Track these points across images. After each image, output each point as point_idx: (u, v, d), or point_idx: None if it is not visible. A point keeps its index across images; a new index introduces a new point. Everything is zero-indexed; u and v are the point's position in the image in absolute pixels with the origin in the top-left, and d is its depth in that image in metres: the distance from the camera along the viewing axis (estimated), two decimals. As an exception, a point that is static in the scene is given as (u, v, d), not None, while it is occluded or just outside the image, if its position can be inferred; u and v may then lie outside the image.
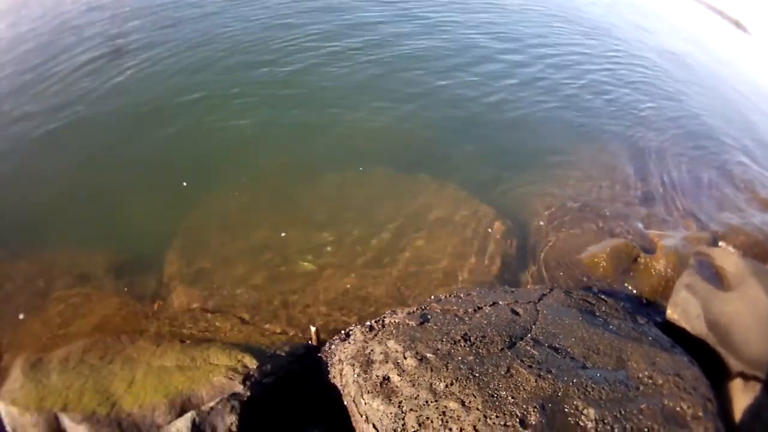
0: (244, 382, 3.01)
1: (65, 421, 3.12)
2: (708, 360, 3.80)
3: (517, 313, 3.22)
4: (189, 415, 3.01)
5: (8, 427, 3.25)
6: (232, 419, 2.96)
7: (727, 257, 4.17)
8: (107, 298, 3.70)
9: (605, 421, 2.99)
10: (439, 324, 3.08)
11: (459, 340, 2.95)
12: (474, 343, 2.97)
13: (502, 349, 2.98)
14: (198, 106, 5.65)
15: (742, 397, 3.90)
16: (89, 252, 3.98)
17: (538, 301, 3.38)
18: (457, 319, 3.13)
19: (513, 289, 3.57)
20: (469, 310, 3.21)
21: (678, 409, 3.23)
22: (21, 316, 3.55)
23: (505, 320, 3.14)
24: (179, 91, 5.80)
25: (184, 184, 4.53)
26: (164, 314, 3.59)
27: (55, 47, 6.97)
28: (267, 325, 3.53)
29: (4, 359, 3.49)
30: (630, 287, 4.14)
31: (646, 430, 3.02)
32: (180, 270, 3.89)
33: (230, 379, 3.05)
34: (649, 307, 3.94)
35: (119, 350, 3.39)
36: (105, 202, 4.43)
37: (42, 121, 5.26)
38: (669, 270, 4.24)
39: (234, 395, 3.00)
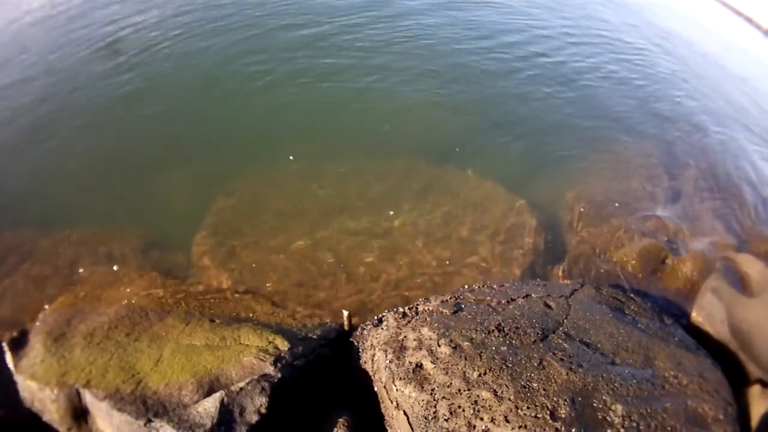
0: (275, 364, 2.98)
1: (87, 397, 3.04)
2: (729, 364, 3.82)
3: (549, 307, 3.23)
4: (218, 395, 2.96)
5: (26, 403, 3.21)
6: (262, 401, 2.92)
7: (752, 264, 4.20)
8: (136, 275, 3.67)
9: (631, 417, 3.00)
10: (472, 313, 3.09)
11: (493, 330, 2.96)
12: (507, 333, 2.98)
13: (534, 341, 2.99)
14: (233, 87, 5.63)
15: (760, 404, 3.92)
16: (119, 229, 3.97)
17: (570, 295, 3.39)
18: (490, 309, 3.14)
19: (545, 283, 3.58)
20: (503, 301, 3.22)
21: (700, 410, 3.24)
22: (48, 293, 3.52)
23: (538, 313, 3.15)
24: (214, 72, 5.78)
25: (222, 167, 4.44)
26: (194, 293, 3.57)
27: (83, 26, 6.96)
28: (298, 308, 3.53)
29: (28, 334, 3.45)
30: (657, 288, 4.17)
31: (669, 428, 3.04)
32: (211, 250, 3.88)
33: (261, 360, 3.02)
34: (674, 308, 3.96)
35: (146, 327, 3.34)
36: (136, 181, 4.41)
37: (72, 99, 5.22)
38: (695, 273, 4.26)
39: (264, 376, 2.96)
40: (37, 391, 3.22)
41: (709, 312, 3.79)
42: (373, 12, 7.85)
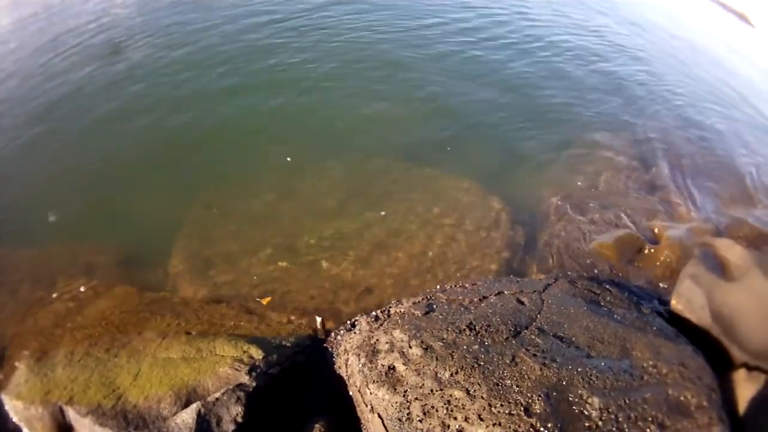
0: (249, 373, 3.02)
1: (70, 413, 3.13)
2: (712, 350, 3.80)
3: (522, 303, 3.22)
4: (194, 406, 3.02)
5: (15, 422, 3.27)
6: (237, 410, 2.97)
7: (731, 248, 4.17)
8: (113, 290, 3.71)
9: (609, 409, 2.99)
10: (444, 314, 3.09)
11: (464, 330, 2.96)
12: (479, 332, 2.98)
13: (507, 338, 2.99)
14: (200, 97, 5.65)
15: (746, 388, 3.90)
16: (95, 244, 3.99)
17: (543, 290, 3.39)
18: (462, 308, 3.14)
19: (518, 279, 3.58)
20: (475, 299, 3.22)
21: (682, 398, 3.23)
22: (26, 310, 3.56)
23: (510, 309, 3.15)
24: (181, 84, 5.79)
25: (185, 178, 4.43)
26: (170, 306, 3.60)
27: (50, 40, 6.99)
28: (273, 316, 3.54)
29: (9, 352, 3.50)
30: (635, 277, 4.15)
31: (650, 419, 3.03)
32: (186, 261, 3.90)
33: (236, 370, 3.06)
34: (653, 298, 3.95)
35: (125, 343, 3.40)
36: (110, 194, 4.43)
37: (43, 114, 5.26)
38: (673, 261, 4.25)
39: (239, 386, 3.01)
40: (23, 410, 3.31)
41: (688, 299, 3.77)
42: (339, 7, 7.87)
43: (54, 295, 3.68)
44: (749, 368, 3.96)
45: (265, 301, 3.68)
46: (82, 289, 3.74)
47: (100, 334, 3.42)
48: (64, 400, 3.20)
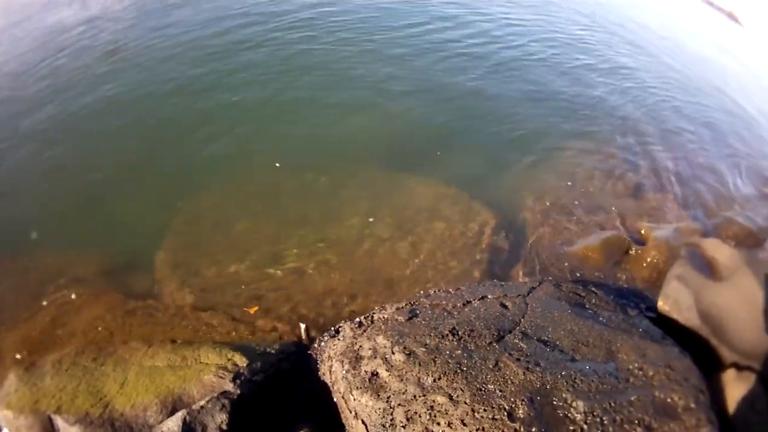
0: (234, 381, 3.03)
1: (59, 422, 3.16)
2: (700, 351, 3.79)
3: (505, 307, 3.22)
4: (180, 414, 3.03)
5: (5, 431, 3.30)
6: (222, 417, 2.98)
7: (719, 247, 4.16)
8: (99, 299, 3.72)
9: (594, 413, 2.98)
10: (427, 319, 3.09)
11: (447, 335, 2.96)
12: (462, 337, 2.97)
13: (490, 343, 2.99)
14: (185, 105, 5.65)
15: (736, 388, 3.89)
16: (81, 253, 4.01)
17: (528, 294, 3.38)
18: (445, 313, 3.14)
19: (502, 283, 3.58)
20: (458, 304, 3.22)
21: (669, 400, 3.22)
22: (14, 320, 3.58)
23: (494, 314, 3.15)
24: (166, 90, 5.80)
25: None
26: (155, 313, 3.62)
27: (34, 44, 7.01)
28: (258, 323, 3.55)
29: (-1, 362, 3.52)
30: (621, 279, 4.14)
31: (636, 421, 3.02)
32: (171, 269, 3.91)
33: (221, 377, 3.08)
34: (640, 299, 3.94)
35: (111, 351, 3.42)
36: (96, 202, 4.43)
37: (25, 120, 5.26)
38: (660, 262, 4.23)
39: (224, 393, 3.02)
40: (13, 420, 3.34)
41: (675, 300, 3.76)
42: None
43: (42, 304, 3.69)
44: (739, 368, 3.95)
45: (252, 310, 3.69)
46: (68, 298, 3.76)
47: (86, 342, 3.45)
48: (52, 409, 3.24)
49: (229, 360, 3.13)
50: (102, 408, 3.19)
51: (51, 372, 3.51)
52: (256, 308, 3.64)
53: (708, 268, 4.04)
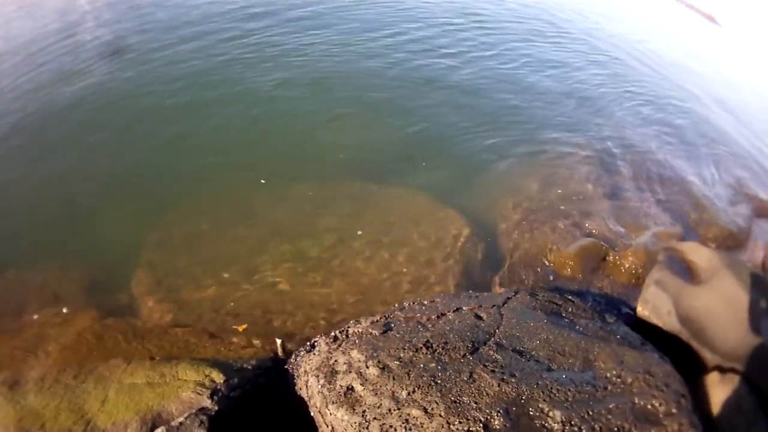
0: (211, 397, 3.06)
1: (43, 440, 3.19)
2: (682, 355, 3.79)
3: (480, 318, 3.23)
4: (159, 431, 3.06)
5: (-7, 449, 3.33)
6: (200, 434, 3.00)
7: (698, 251, 4.16)
8: (78, 316, 3.75)
9: (572, 422, 2.98)
10: (402, 332, 3.10)
11: (421, 348, 2.97)
12: (436, 350, 2.98)
13: (464, 355, 2.99)
14: (162, 119, 5.66)
15: (720, 391, 3.88)
16: (61, 270, 4.03)
17: (503, 304, 3.38)
18: (420, 326, 3.15)
19: (477, 294, 3.58)
20: (433, 316, 3.22)
21: (649, 407, 3.21)
22: (-3, 339, 3.61)
23: (468, 326, 3.15)
24: (143, 106, 5.82)
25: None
26: (134, 330, 3.64)
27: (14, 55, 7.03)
28: (234, 339, 3.57)
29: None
30: (599, 286, 4.14)
31: (615, 429, 3.01)
32: (149, 286, 3.93)
33: (198, 394, 3.10)
34: (618, 306, 3.94)
35: (92, 369, 3.45)
36: (75, 218, 4.45)
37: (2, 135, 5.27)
38: (639, 267, 4.23)
39: (202, 410, 3.04)
40: (-1, 438, 3.35)
41: (654, 305, 3.76)
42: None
43: (22, 323, 3.72)
44: (722, 371, 3.95)
45: (240, 329, 3.70)
46: (49, 315, 3.79)
47: (67, 360, 3.48)
48: (36, 427, 3.29)
49: (206, 376, 3.16)
50: (84, 425, 3.22)
51: (34, 390, 3.55)
52: (245, 327, 3.65)
53: (687, 272, 4.03)
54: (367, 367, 2.92)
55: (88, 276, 3.99)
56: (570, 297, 3.64)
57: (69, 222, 4.42)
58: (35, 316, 3.71)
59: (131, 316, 3.76)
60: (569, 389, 3.13)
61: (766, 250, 4.86)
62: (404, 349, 2.97)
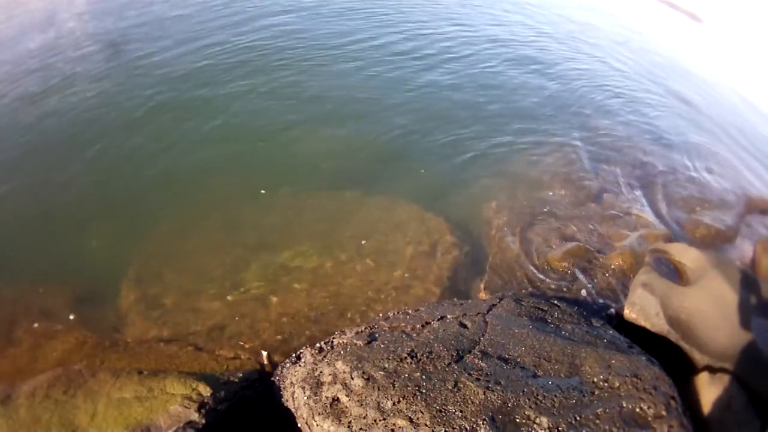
0: (199, 410, 3.07)
1: (34, 454, 3.22)
2: (671, 357, 3.78)
3: (465, 326, 3.22)
4: (148, 444, 3.08)
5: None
6: (189, 447, 3.02)
7: (685, 252, 4.15)
8: (68, 332, 3.77)
9: (559, 428, 2.98)
10: (386, 342, 3.10)
11: (405, 358, 2.97)
12: (420, 359, 2.98)
13: (449, 364, 2.99)
14: (146, 132, 5.65)
15: (710, 391, 3.88)
16: (48, 286, 4.04)
17: (487, 311, 3.38)
18: (404, 336, 3.15)
19: (462, 302, 3.57)
20: (417, 326, 3.22)
21: (638, 410, 3.21)
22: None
23: (453, 334, 3.15)
24: (127, 116, 5.81)
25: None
26: (122, 345, 3.66)
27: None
28: (221, 352, 3.58)
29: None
30: (585, 290, 4.13)
31: (604, 433, 3.02)
32: (135, 301, 3.94)
33: (186, 407, 3.11)
34: (605, 309, 3.93)
35: (81, 384, 3.46)
36: (61, 233, 4.44)
37: None
38: (625, 269, 4.22)
39: (189, 423, 3.06)
40: (-8, 452, 3.37)
41: (641, 307, 3.76)
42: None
43: (11, 339, 3.73)
44: (712, 371, 3.94)
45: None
46: (37, 331, 3.80)
47: (57, 375, 3.49)
48: (29, 441, 3.28)
49: (193, 390, 3.17)
50: (75, 439, 3.23)
51: (25, 404, 3.58)
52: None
53: (675, 273, 4.03)
54: (352, 378, 2.93)
55: (74, 291, 3.99)
56: (555, 302, 3.64)
57: (55, 236, 4.42)
58: (24, 332, 3.74)
59: (118, 331, 3.78)
60: (556, 395, 3.13)
61: (755, 247, 4.84)
62: (389, 359, 2.98)
